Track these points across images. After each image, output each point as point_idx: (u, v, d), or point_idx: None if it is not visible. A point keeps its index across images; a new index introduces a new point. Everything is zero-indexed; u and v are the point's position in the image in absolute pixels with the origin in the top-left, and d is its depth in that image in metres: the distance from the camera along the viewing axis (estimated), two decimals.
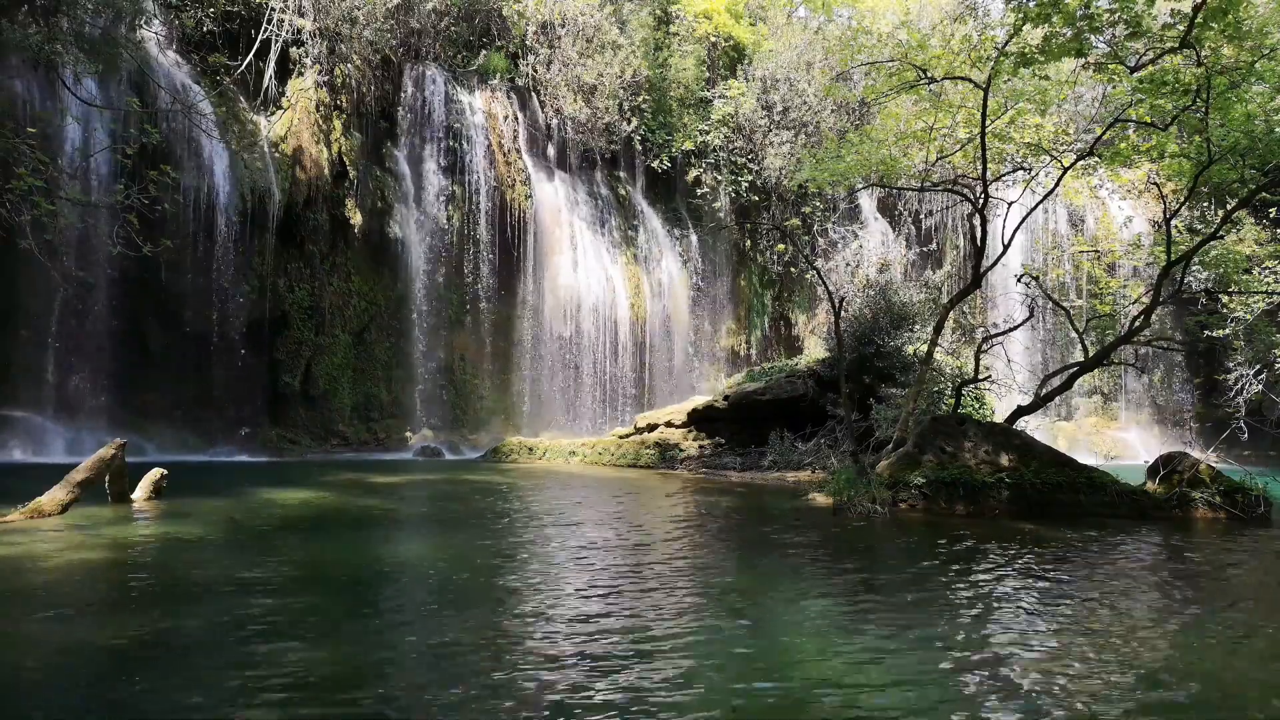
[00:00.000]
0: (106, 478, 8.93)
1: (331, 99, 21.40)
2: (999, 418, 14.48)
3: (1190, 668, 4.18)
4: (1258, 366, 20.81)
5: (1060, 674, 4.01)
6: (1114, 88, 13.20)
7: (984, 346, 14.62)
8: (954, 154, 14.80)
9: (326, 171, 20.96)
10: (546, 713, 3.38)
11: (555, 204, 24.87)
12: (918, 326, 17.59)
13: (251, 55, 19.90)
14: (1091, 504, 10.05)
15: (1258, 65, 10.44)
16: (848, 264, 25.70)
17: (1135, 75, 11.24)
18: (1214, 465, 10.94)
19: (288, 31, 20.42)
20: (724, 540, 8.32)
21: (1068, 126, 18.39)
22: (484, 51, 24.78)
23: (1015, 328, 14.85)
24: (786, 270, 28.67)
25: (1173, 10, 10.98)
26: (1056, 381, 13.65)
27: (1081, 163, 12.96)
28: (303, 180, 20.42)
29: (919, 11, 23.92)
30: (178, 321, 18.62)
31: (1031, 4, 10.27)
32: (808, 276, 27.70)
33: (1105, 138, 12.55)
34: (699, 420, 18.51)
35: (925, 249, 28.11)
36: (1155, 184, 15.59)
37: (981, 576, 6.32)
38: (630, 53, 26.03)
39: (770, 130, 27.18)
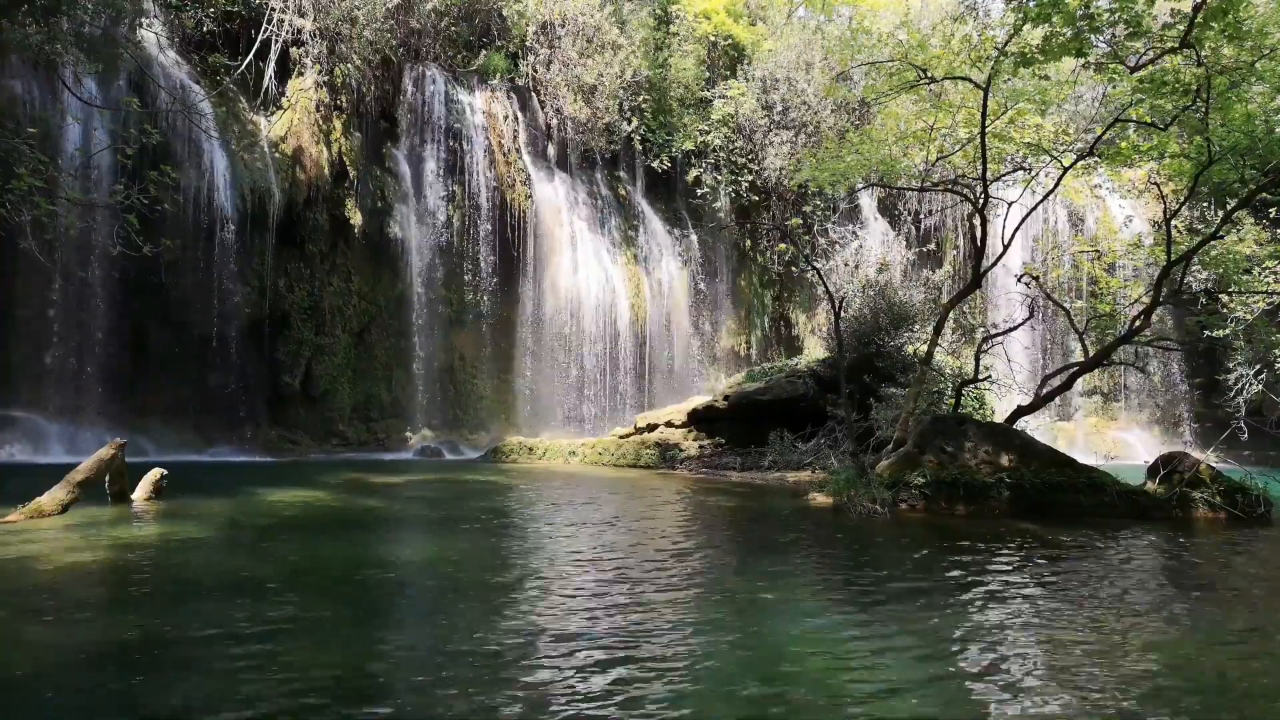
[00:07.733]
0: (106, 478, 8.93)
1: (331, 99, 21.39)
2: (999, 418, 14.47)
3: (1190, 668, 4.18)
4: (1258, 366, 20.80)
5: (1061, 674, 4.01)
6: (1114, 88, 13.19)
7: (984, 346, 14.62)
8: (954, 154, 14.78)
9: (326, 171, 20.95)
10: (548, 717, 3.38)
11: (555, 204, 24.85)
12: (918, 326, 17.58)
13: (251, 55, 19.89)
14: (1091, 504, 10.04)
15: (1258, 65, 10.43)
16: (848, 264, 25.60)
17: (1135, 75, 11.23)
18: (1214, 465, 10.93)
19: (288, 31, 20.41)
20: (725, 541, 8.32)
21: (1068, 126, 18.36)
22: (484, 51, 24.77)
23: (1015, 328, 14.85)
24: (787, 270, 28.65)
25: (1173, 10, 10.97)
26: (1056, 381, 13.65)
27: (1081, 163, 12.94)
28: (303, 180, 20.41)
29: (919, 11, 23.87)
30: (178, 321, 18.61)
31: (1031, 4, 10.27)
32: (808, 276, 27.64)
33: (1105, 138, 12.54)
34: (699, 420, 18.51)
35: (925, 249, 28.09)
36: (1155, 184, 15.56)
37: (982, 577, 6.32)
38: (630, 53, 26.01)
39: (770, 130, 27.16)
